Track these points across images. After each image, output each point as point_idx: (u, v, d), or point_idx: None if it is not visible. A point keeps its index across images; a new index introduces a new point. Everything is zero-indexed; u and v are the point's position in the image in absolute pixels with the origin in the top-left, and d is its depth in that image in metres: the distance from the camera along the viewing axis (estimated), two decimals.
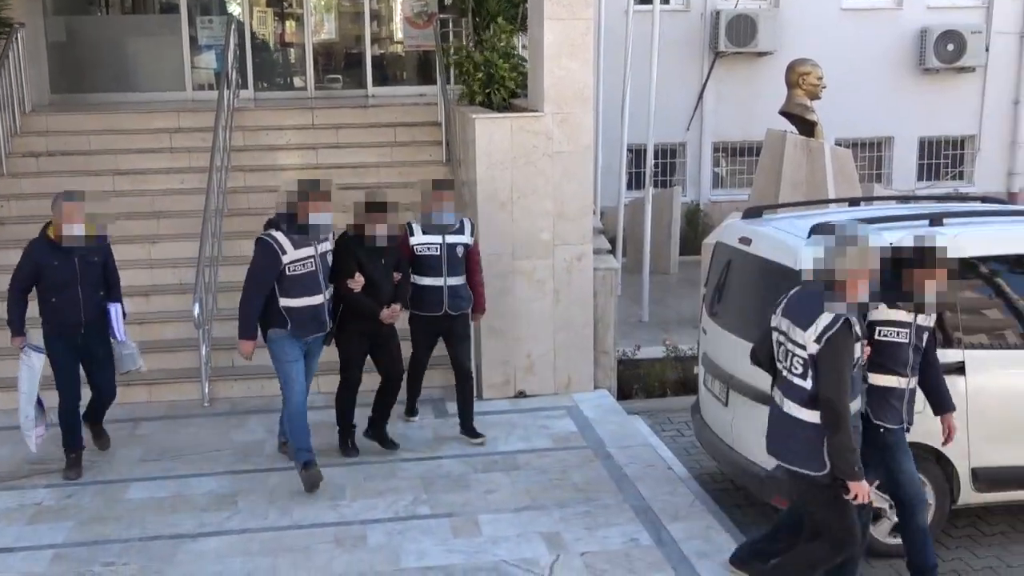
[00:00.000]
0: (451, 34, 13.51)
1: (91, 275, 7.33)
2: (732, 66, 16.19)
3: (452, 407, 8.36)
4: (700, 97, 16.26)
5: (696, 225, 15.92)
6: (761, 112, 14.16)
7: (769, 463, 6.33)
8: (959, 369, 6.26)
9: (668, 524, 6.65)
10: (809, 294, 5.11)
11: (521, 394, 9.15)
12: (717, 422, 7.20)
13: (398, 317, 7.59)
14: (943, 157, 17.30)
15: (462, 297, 7.89)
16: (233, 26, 12.28)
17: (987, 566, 6.34)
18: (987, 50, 16.57)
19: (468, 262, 7.93)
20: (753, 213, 7.49)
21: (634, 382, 9.93)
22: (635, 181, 15.24)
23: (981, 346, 6.37)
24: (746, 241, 7.00)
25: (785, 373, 5.13)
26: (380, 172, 11.16)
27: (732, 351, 6.91)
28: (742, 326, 6.85)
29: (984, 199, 8.25)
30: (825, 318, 4.91)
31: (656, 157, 15.58)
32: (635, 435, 8.31)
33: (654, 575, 5.97)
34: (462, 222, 7.92)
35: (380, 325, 7.51)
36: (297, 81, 14.53)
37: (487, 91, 10.00)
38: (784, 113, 11.12)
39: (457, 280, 7.83)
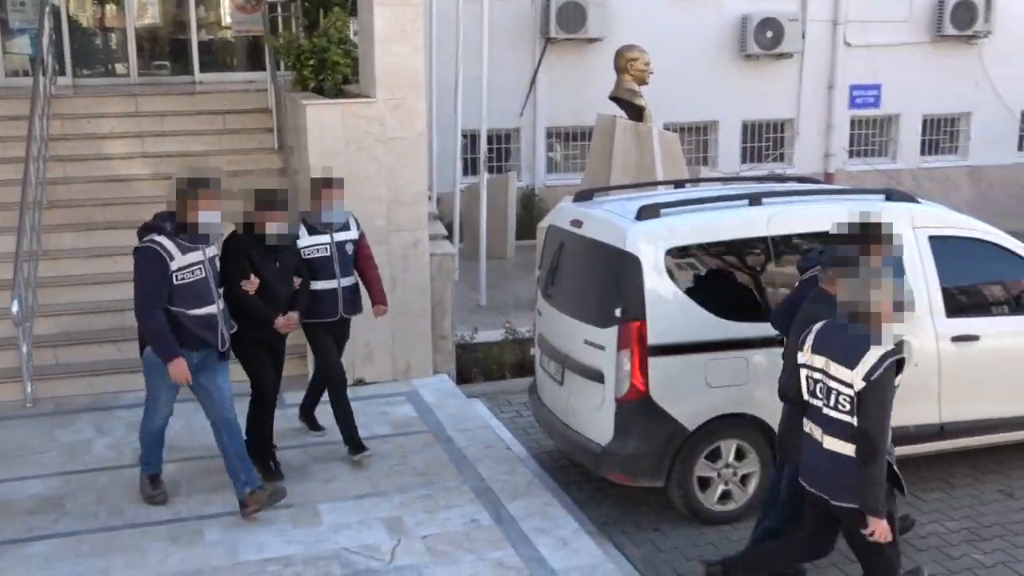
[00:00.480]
0: (280, 19, 13.28)
1: None
2: (563, 52, 16.44)
3: (290, 398, 8.26)
4: (532, 83, 16.45)
5: (532, 209, 16.11)
6: (592, 97, 14.40)
7: (603, 439, 6.54)
8: (779, 340, 6.55)
9: (508, 503, 6.76)
10: (840, 328, 4.85)
11: (360, 382, 9.12)
12: (554, 402, 7.36)
13: (294, 326, 7.07)
14: (765, 140, 18.00)
15: (355, 299, 7.52)
16: (47, 9, 11.74)
17: None
18: (803, 37, 17.32)
19: (358, 258, 7.52)
20: (584, 196, 7.67)
21: (473, 366, 10.02)
22: (470, 167, 15.31)
23: None
24: (577, 223, 7.16)
25: (826, 410, 4.90)
26: (210, 161, 10.88)
27: (566, 331, 7.07)
28: (575, 307, 7.02)
29: (801, 179, 8.66)
30: (872, 356, 4.69)
31: (490, 142, 15.71)
32: (474, 418, 8.40)
33: (494, 553, 6.07)
34: (347, 218, 7.52)
35: (275, 334, 7.01)
36: (119, 67, 13.99)
37: (320, 77, 9.89)
38: (614, 98, 11.38)
39: (350, 281, 7.44)
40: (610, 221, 6.86)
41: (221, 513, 6.60)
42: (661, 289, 6.43)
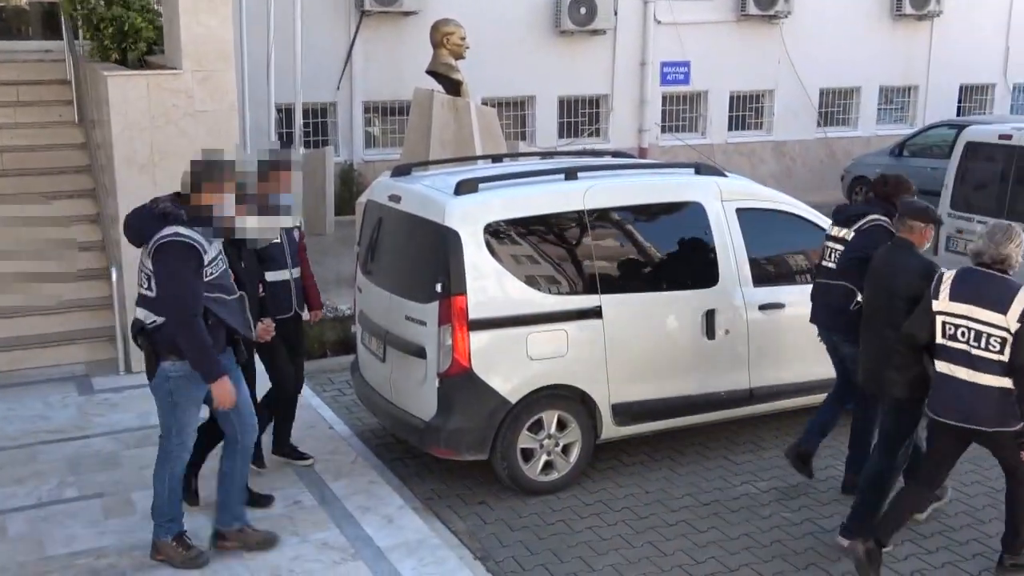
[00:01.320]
0: None
1: None
2: (379, 25, 16.26)
3: (98, 382, 7.92)
4: (348, 56, 16.22)
5: (351, 185, 15.93)
6: (409, 71, 14.34)
7: (427, 415, 6.54)
8: (596, 313, 6.72)
9: (331, 483, 6.70)
10: (980, 275, 5.45)
11: None
12: (376, 378, 7.31)
13: (271, 332, 6.35)
14: (581, 115, 18.33)
15: (303, 293, 6.90)
16: None
17: (629, 494, 6.87)
18: (616, 14, 17.69)
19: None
20: (402, 171, 7.63)
21: None
22: (286, 142, 14.98)
23: (615, 290, 6.85)
24: (396, 198, 7.12)
25: (975, 351, 5.35)
26: (3, 135, 10.29)
27: (387, 308, 7.03)
28: (396, 283, 6.98)
29: (615, 154, 8.86)
30: (1022, 298, 5.27)
31: (306, 117, 15.40)
32: None
33: (319, 534, 6.01)
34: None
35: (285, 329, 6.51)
36: None
37: (122, 46, 9.46)
38: (431, 72, 11.34)
39: (299, 272, 6.81)
40: (429, 196, 6.84)
41: (25, 506, 6.29)
42: (481, 263, 6.47)
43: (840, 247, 6.61)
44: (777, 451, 7.45)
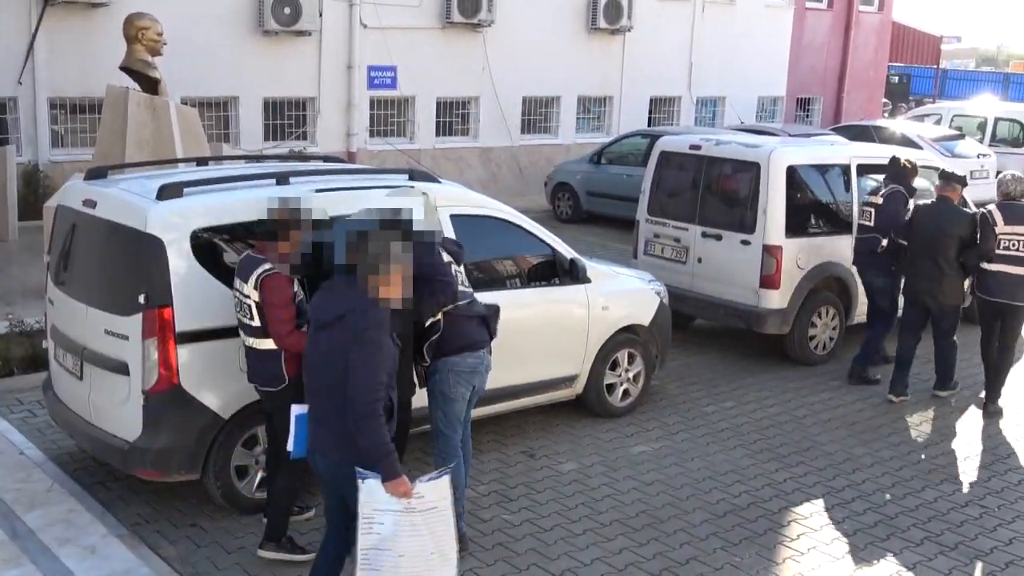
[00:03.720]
0: None
1: None
2: (66, 15, 15.23)
3: None
4: (30, 48, 15.08)
5: (36, 187, 14.84)
6: (101, 66, 13.54)
7: (131, 435, 6.15)
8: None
9: (23, 514, 6.18)
10: (1018, 206, 8.71)
11: None
12: (73, 398, 6.81)
13: None
14: (287, 117, 17.96)
15: None
16: None
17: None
18: (320, 16, 17.47)
19: None
20: (97, 174, 7.13)
21: None
22: None
23: None
24: (91, 204, 6.65)
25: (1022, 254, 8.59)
26: None
27: (84, 321, 6.56)
28: (93, 294, 6.53)
29: (326, 158, 8.72)
30: None
31: None
32: None
33: (11, 572, 5.50)
34: None
35: None
36: None
37: None
38: (125, 69, 10.73)
39: None
40: (128, 201, 6.45)
41: None
42: (187, 272, 6.17)
43: (873, 209, 9.56)
44: (496, 453, 7.59)
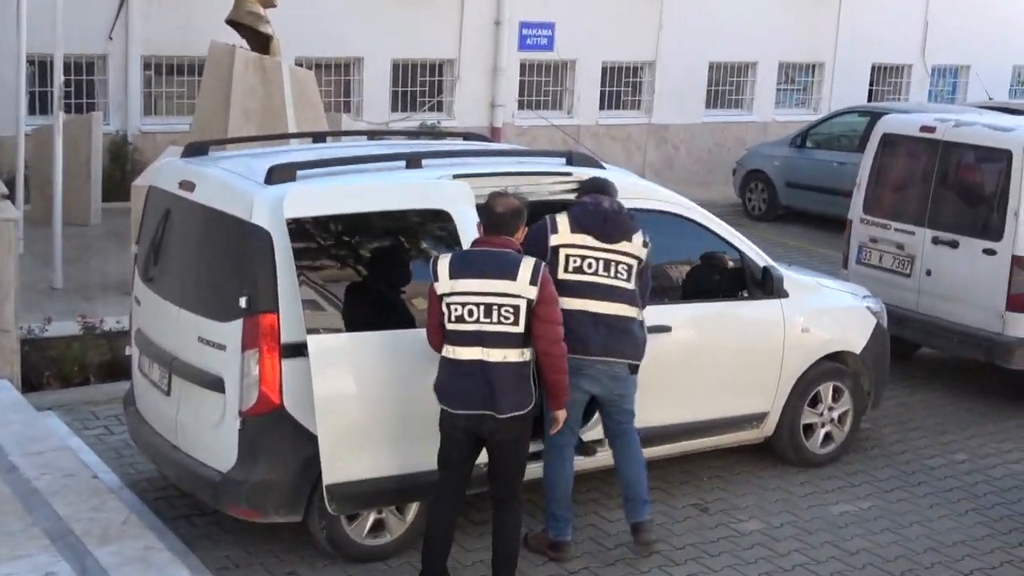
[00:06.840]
0: None
1: None
2: None
3: None
4: None
5: (124, 162, 15.54)
6: (204, 19, 14.07)
7: (224, 464, 6.37)
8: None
9: (95, 549, 6.43)
10: None
11: None
12: (157, 416, 7.10)
13: None
14: (420, 84, 18.27)
15: None
16: None
17: (478, 560, 6.83)
18: None
19: None
20: (196, 150, 7.45)
21: (45, 368, 9.54)
22: (40, 103, 14.51)
23: None
24: (188, 186, 6.92)
25: None
26: None
27: (175, 326, 6.83)
28: (186, 294, 6.80)
29: (467, 136, 8.86)
30: None
31: (68, 73, 14.87)
32: (47, 437, 7.94)
33: None
34: None
35: None
36: None
37: None
38: (232, 22, 11.15)
39: None
40: (231, 184, 6.70)
41: None
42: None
43: None
44: (660, 504, 7.57)
